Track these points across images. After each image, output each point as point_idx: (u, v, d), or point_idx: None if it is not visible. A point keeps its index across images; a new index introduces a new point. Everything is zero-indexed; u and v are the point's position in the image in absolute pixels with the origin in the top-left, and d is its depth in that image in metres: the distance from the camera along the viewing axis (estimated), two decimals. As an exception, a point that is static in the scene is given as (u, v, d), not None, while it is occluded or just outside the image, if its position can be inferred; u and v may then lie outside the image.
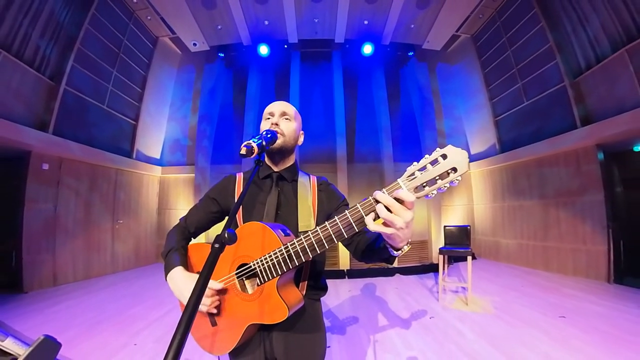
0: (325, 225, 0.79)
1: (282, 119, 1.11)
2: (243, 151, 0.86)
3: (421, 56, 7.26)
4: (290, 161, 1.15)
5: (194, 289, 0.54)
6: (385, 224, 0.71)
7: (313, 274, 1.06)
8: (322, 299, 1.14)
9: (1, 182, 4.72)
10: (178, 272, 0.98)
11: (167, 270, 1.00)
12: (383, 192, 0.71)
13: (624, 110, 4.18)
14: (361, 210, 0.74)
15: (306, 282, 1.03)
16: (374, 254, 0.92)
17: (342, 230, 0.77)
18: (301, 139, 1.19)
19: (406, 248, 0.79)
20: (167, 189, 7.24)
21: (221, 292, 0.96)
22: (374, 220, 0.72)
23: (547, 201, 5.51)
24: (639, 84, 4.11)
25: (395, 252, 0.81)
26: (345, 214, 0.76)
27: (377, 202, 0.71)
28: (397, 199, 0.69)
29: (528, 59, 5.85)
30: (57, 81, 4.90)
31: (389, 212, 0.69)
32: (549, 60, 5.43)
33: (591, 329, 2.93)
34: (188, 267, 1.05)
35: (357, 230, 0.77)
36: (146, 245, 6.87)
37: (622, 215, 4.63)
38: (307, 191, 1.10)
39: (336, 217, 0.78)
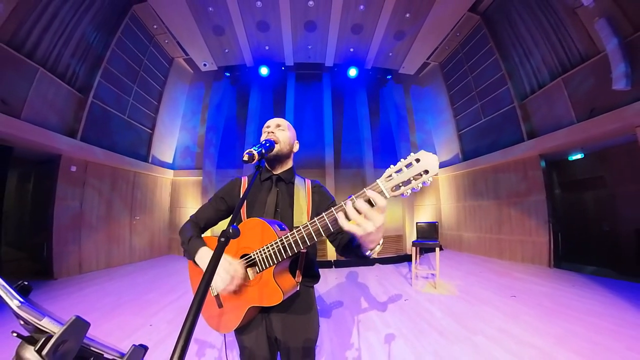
0: (314, 221, 0.78)
1: (277, 129, 1.11)
2: (245, 158, 0.86)
3: (397, 79, 7.36)
4: (287, 165, 1.13)
5: (203, 277, 0.51)
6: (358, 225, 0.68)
7: (307, 264, 1.05)
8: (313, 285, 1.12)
9: (35, 182, 4.66)
10: (205, 251, 0.96)
11: (193, 253, 0.97)
12: (357, 200, 0.68)
13: (561, 127, 4.36)
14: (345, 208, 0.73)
15: (301, 271, 1.03)
16: (351, 251, 0.90)
17: (329, 224, 0.76)
18: (296, 147, 1.17)
19: (378, 248, 0.77)
20: (178, 190, 7.10)
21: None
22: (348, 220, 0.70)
23: (500, 201, 5.63)
24: (572, 105, 4.29)
25: (367, 252, 0.79)
26: (331, 211, 0.75)
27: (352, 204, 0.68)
28: (370, 202, 0.66)
29: (485, 83, 6.00)
30: (85, 94, 4.80)
31: (361, 217, 0.66)
32: (502, 85, 5.59)
33: (536, 305, 3.02)
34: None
35: (339, 227, 0.74)
36: (160, 238, 6.71)
37: (559, 213, 4.80)
38: (301, 192, 1.09)
39: (324, 214, 0.77)
